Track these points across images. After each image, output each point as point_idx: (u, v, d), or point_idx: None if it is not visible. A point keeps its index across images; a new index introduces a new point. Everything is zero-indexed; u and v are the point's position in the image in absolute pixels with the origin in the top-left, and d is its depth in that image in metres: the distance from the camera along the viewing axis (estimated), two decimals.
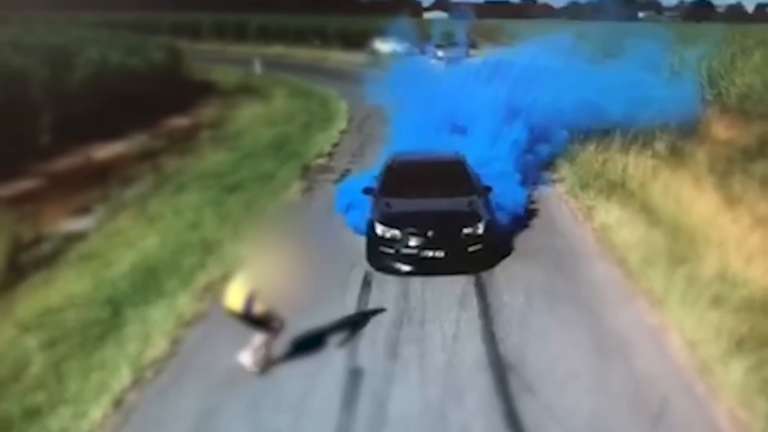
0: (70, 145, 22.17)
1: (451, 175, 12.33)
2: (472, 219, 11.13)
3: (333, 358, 8.04)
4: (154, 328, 8.60)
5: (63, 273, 11.31)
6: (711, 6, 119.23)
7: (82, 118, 23.47)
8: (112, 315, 9.04)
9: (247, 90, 36.61)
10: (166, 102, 30.37)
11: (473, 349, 8.40)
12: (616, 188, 14.95)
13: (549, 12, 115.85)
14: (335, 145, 21.42)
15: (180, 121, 28.79)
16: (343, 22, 75.19)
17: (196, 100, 33.84)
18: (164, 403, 7.17)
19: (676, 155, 17.62)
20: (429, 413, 6.98)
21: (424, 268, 10.68)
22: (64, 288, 10.38)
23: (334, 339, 8.45)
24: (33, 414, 6.85)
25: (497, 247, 11.36)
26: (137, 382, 7.52)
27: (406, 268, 10.69)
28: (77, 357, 7.99)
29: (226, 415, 6.92)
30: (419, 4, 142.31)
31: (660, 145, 18.13)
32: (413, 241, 10.77)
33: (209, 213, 13.63)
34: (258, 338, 7.56)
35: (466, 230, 10.98)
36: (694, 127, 20.35)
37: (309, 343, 8.21)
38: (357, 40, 66.31)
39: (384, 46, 62.22)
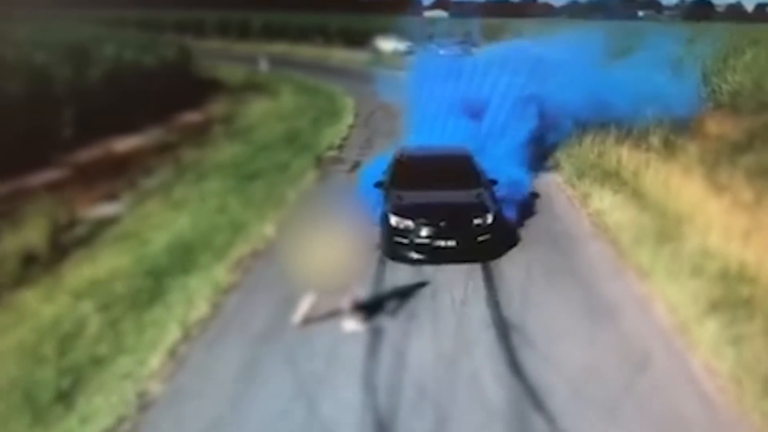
0: (91, 138, 23.24)
1: (458, 169, 12.90)
2: (481, 210, 11.74)
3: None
4: (195, 294, 9.68)
5: (103, 251, 12.36)
6: (711, 5, 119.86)
7: (101, 113, 24.53)
8: (155, 284, 10.10)
9: (254, 87, 37.57)
10: (178, 98, 31.43)
11: (479, 312, 9.46)
12: (610, 177, 16.01)
13: (549, 11, 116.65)
14: (344, 138, 22.47)
15: (192, 117, 29.84)
16: (345, 21, 76.16)
17: (206, 96, 34.83)
18: (211, 354, 8.24)
19: (668, 148, 18.62)
20: (442, 361, 8.05)
21: (436, 257, 11.25)
22: (107, 263, 11.43)
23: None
24: (99, 362, 7.91)
25: (505, 237, 12.03)
26: (186, 337, 8.58)
27: (419, 256, 11.26)
28: (130, 318, 9.06)
29: (267, 362, 7.98)
30: (419, 2, 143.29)
31: (654, 139, 19.14)
32: (425, 232, 11.33)
33: (233, 198, 14.71)
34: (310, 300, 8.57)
35: (475, 221, 11.57)
36: (687, 122, 21.31)
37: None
38: (359, 39, 67.39)
39: (385, 44, 63.30)
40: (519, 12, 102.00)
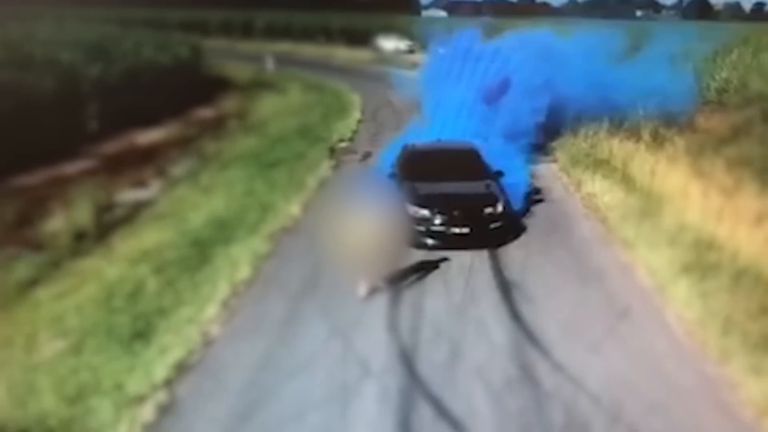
0: (114, 132, 24.70)
1: (466, 162, 13.80)
2: (492, 200, 12.63)
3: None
4: (237, 260, 11.13)
5: (145, 228, 13.80)
6: (709, 5, 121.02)
7: (123, 108, 25.97)
8: (201, 252, 11.56)
9: (262, 84, 38.95)
10: (191, 94, 32.88)
11: (485, 275, 10.92)
12: (601, 165, 17.47)
13: (547, 11, 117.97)
14: (354, 131, 23.92)
15: (206, 112, 31.28)
16: (347, 20, 77.53)
17: (217, 93, 36.30)
18: (258, 305, 9.70)
19: (657, 140, 20.05)
20: (454, 310, 9.52)
21: (451, 243, 12.02)
22: (152, 237, 12.88)
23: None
24: (165, 311, 9.35)
25: (513, 225, 12.92)
26: (234, 293, 10.04)
27: (435, 243, 12.03)
28: (184, 278, 10.51)
29: (306, 311, 9.43)
30: (418, 2, 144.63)
31: (644, 132, 20.56)
32: (440, 220, 12.16)
33: (258, 183, 16.16)
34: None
35: (486, 210, 12.45)
36: (677, 116, 22.69)
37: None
38: (361, 38, 68.79)
39: (387, 43, 64.76)
40: (517, 12, 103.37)
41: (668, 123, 21.22)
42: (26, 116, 20.90)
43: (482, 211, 12.45)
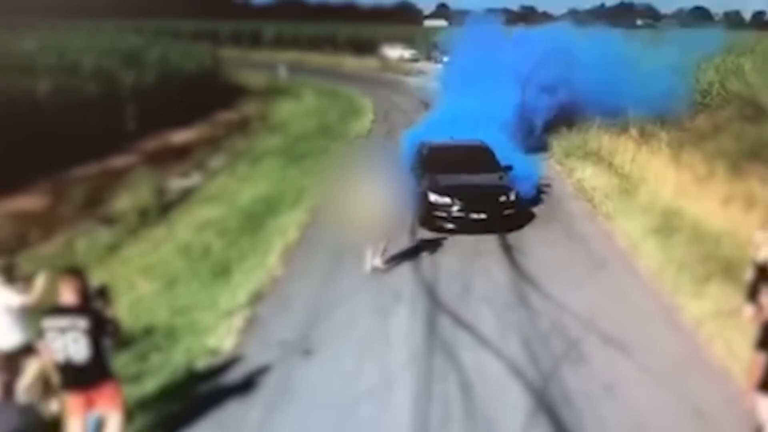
0: (149, 132, 27.15)
1: (479, 157, 15.15)
2: (505, 189, 14.02)
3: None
4: (286, 227, 13.52)
5: (199, 207, 16.19)
6: (709, 14, 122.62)
7: (156, 110, 28.44)
8: (254, 222, 13.95)
9: (277, 91, 41.40)
10: (213, 99, 35.38)
11: (489, 241, 13.26)
12: (591, 156, 19.87)
13: (548, 19, 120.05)
14: (368, 130, 26.35)
15: (229, 115, 33.74)
16: (353, 30, 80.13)
17: (236, 98, 38.79)
18: (307, 257, 12.07)
19: (644, 136, 22.39)
20: (464, 262, 11.88)
21: (469, 227, 13.41)
22: (208, 212, 15.27)
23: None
24: (234, 261, 11.70)
25: (523, 212, 14.43)
26: (287, 249, 12.41)
27: (454, 227, 13.42)
28: (243, 240, 12.88)
29: (346, 260, 11.75)
30: (420, 12, 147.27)
31: (633, 129, 22.87)
32: (459, 206, 13.54)
33: (290, 171, 18.56)
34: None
35: (501, 198, 13.85)
36: (664, 116, 24.90)
37: None
38: (366, 47, 71.34)
39: (392, 52, 67.32)
40: (519, 20, 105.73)
41: (656, 122, 23.48)
42: (76, 116, 23.38)
43: (497, 199, 13.88)
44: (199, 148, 25.24)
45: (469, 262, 11.94)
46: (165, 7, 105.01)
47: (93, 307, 6.13)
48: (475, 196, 13.83)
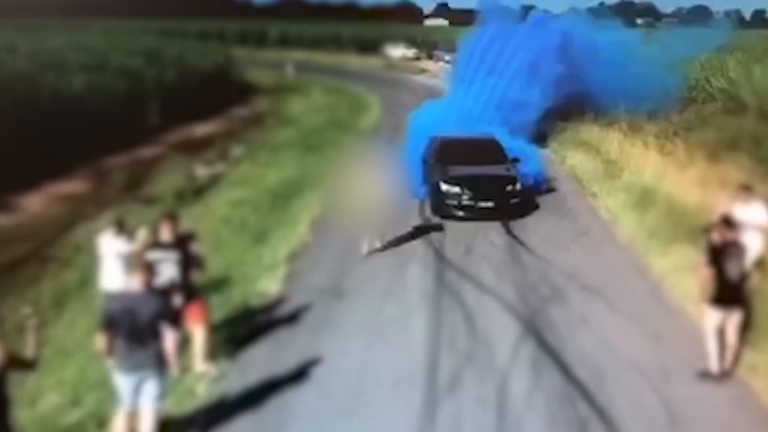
0: (171, 125, 29.08)
1: (488, 150, 16.16)
2: (512, 180, 15.01)
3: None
4: (311, 203, 15.44)
5: (230, 189, 18.08)
6: (709, 13, 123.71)
7: (176, 106, 30.36)
8: (283, 199, 15.87)
9: (286, 88, 43.33)
10: (227, 96, 37.32)
11: None
12: (582, 145, 21.75)
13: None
14: (376, 124, 28.25)
15: (242, 111, 35.72)
16: (356, 29, 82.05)
17: (247, 95, 40.73)
18: (330, 227, 13.96)
19: (633, 128, 24.24)
20: (467, 231, 13.79)
21: (478, 214, 14.43)
22: (240, 193, 17.17)
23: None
24: (270, 229, 13.61)
25: (528, 201, 15.40)
26: (313, 222, 14.32)
27: (463, 214, 14.48)
28: (275, 214, 14.79)
29: (365, 234, 13.65)
30: (420, 11, 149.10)
31: (623, 122, 24.69)
32: (469, 195, 14.57)
33: (309, 159, 20.48)
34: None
35: (508, 188, 14.85)
36: (655, 110, 26.63)
37: None
38: (370, 46, 73.27)
39: (394, 51, 69.31)
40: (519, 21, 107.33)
41: (645, 115, 25.26)
42: (107, 110, 25.30)
43: (504, 188, 14.90)
44: (220, 140, 27.20)
45: (471, 230, 13.84)
46: (165, 6, 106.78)
47: (184, 243, 8.04)
48: (484, 185, 14.86)
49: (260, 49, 74.50)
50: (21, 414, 6.87)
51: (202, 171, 21.43)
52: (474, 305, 10.18)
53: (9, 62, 24.34)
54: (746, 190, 10.08)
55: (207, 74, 35.76)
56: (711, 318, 8.22)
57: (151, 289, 6.46)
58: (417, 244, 13.08)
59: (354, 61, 64.21)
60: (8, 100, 19.95)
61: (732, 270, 8.11)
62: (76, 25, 63.06)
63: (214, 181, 19.86)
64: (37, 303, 10.15)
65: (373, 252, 12.31)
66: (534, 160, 17.62)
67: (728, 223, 8.36)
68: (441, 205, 14.82)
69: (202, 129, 29.40)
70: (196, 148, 25.73)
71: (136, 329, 6.25)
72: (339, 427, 7.22)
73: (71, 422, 7.24)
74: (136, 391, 6.38)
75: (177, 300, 7.74)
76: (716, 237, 8.31)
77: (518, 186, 15.03)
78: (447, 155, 15.81)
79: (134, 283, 6.43)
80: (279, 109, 35.13)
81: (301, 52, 70.33)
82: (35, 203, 17.88)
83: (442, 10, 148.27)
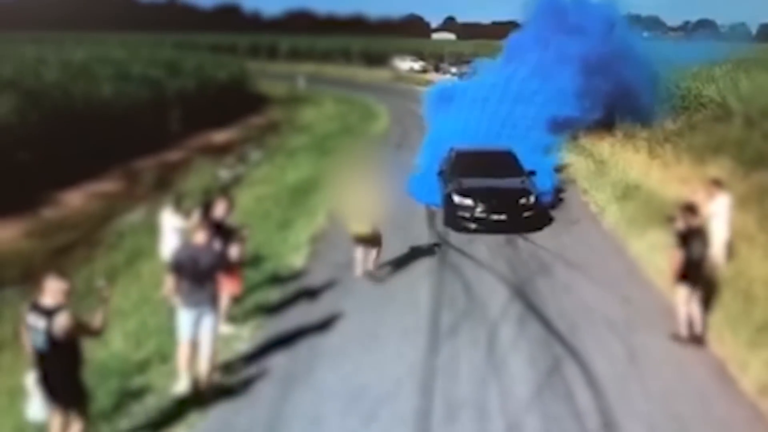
0: (191, 132, 30.89)
1: (503, 162, 16.06)
2: (525, 193, 14.85)
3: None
4: (328, 198, 17.10)
5: (252, 187, 19.78)
6: (715, 26, 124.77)
7: (195, 114, 32.19)
8: (302, 195, 17.55)
9: (298, 99, 45.15)
10: (242, 105, 39.18)
11: None
12: (575, 148, 23.40)
13: None
14: (386, 131, 29.97)
15: (258, 119, 37.54)
16: (365, 43, 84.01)
17: (260, 105, 42.58)
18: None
19: (626, 135, 25.85)
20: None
21: (490, 227, 14.30)
22: (261, 190, 18.86)
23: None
24: (292, 218, 15.28)
25: (542, 215, 15.27)
26: (330, 213, 15.94)
27: (476, 227, 14.35)
28: (295, 207, 16.46)
29: None
30: (428, 25, 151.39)
31: (617, 130, 26.26)
32: (482, 208, 14.42)
33: (323, 161, 22.18)
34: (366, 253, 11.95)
35: (521, 201, 14.69)
36: (648, 118, 28.17)
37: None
38: (378, 59, 75.15)
39: (403, 64, 71.17)
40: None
41: (638, 123, 26.81)
42: (132, 117, 27.10)
43: (517, 201, 14.70)
44: (238, 145, 29.01)
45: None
46: (177, 19, 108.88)
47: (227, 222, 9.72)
48: (497, 198, 14.69)
49: (271, 62, 76.45)
50: (98, 353, 8.56)
51: (224, 173, 23.17)
52: (472, 276, 11.84)
53: (43, 73, 26.13)
54: (716, 184, 11.65)
55: (224, 85, 37.62)
56: (680, 293, 9.65)
57: (210, 244, 8.13)
58: (423, 231, 14.71)
59: (363, 73, 66.08)
60: (48, 108, 21.71)
61: (696, 252, 9.54)
62: (90, 39, 64.94)
63: (236, 181, 21.58)
64: (90, 279, 11.82)
65: (367, 275, 11.72)
66: (549, 175, 17.79)
67: (690, 210, 9.80)
68: (453, 217, 14.72)
69: (220, 136, 31.19)
70: (216, 152, 27.52)
71: (198, 273, 7.90)
72: (360, 360, 8.85)
73: (140, 359, 8.87)
74: (196, 323, 8.01)
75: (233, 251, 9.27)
76: (680, 224, 9.70)
77: (532, 199, 14.87)
78: (461, 167, 15.78)
79: (199, 237, 8.09)
80: (293, 117, 36.92)
81: (311, 65, 72.28)
82: (75, 199, 19.65)
83: (449, 24, 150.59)
